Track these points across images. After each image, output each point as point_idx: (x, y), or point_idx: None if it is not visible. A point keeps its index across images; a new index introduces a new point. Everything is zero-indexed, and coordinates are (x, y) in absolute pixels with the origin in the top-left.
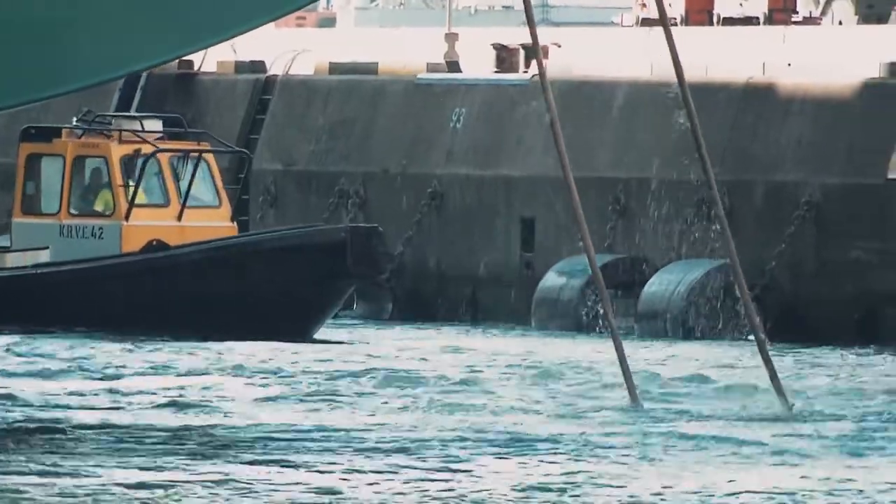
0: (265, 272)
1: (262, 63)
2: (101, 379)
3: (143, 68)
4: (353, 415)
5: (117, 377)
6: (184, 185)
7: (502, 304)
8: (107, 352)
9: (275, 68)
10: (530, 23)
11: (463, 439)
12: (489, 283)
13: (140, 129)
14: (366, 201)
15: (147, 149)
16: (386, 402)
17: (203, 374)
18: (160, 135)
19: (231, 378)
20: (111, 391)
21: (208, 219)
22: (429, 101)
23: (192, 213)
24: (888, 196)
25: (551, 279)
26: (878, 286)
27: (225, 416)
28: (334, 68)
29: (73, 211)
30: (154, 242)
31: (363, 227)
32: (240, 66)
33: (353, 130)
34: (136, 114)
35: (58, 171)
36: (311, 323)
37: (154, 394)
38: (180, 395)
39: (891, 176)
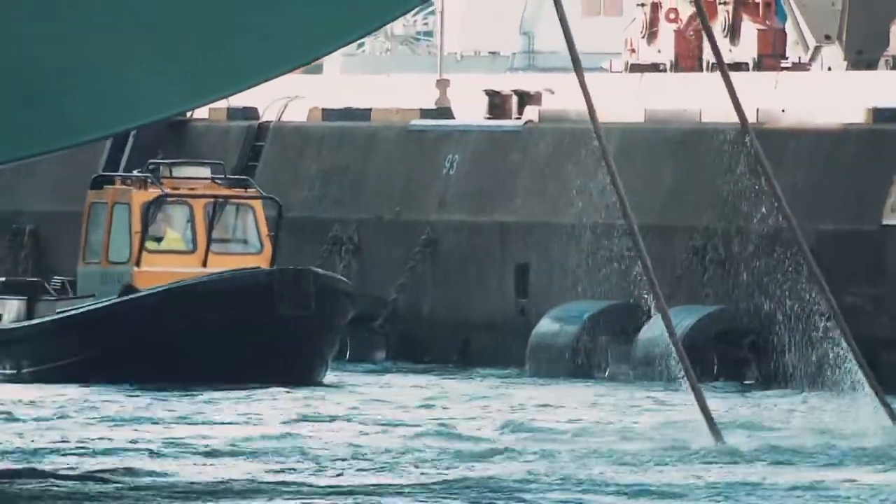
0: (199, 314)
1: (254, 110)
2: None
3: (137, 125)
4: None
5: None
6: (223, 232)
7: (496, 350)
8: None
9: (267, 115)
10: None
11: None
12: (483, 328)
13: (188, 176)
14: (359, 248)
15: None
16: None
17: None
18: (207, 181)
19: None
20: None
21: (244, 265)
22: (422, 148)
23: (227, 259)
24: (882, 242)
25: (546, 325)
26: (874, 332)
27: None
28: (327, 115)
29: (109, 258)
30: (127, 286)
31: (292, 269)
32: (232, 113)
33: (346, 177)
34: (185, 160)
35: (105, 219)
36: (249, 365)
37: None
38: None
39: (885, 222)
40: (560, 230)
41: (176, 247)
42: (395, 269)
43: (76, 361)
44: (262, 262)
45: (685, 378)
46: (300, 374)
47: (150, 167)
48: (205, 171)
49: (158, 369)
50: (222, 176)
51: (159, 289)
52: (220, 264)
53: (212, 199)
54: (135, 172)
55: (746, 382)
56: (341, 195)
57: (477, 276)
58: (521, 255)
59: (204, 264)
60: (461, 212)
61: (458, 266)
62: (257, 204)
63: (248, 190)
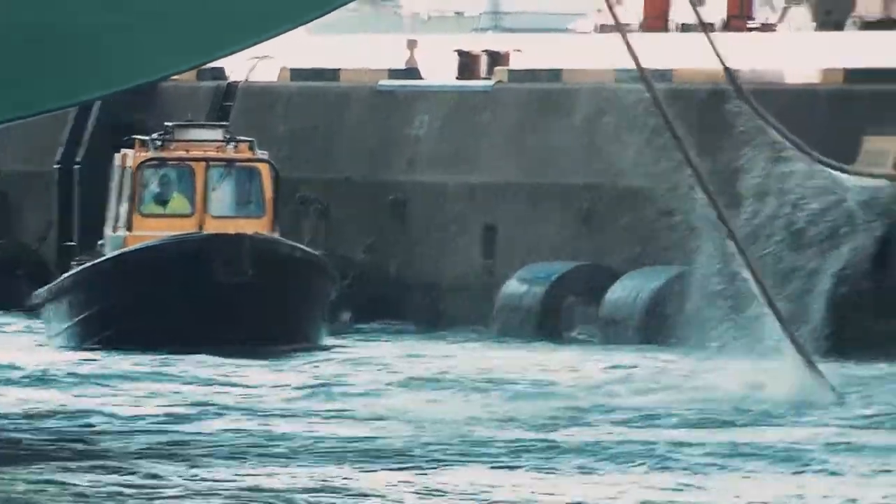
0: (138, 282)
1: (222, 70)
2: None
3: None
4: None
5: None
6: (224, 195)
7: (463, 310)
8: None
9: (235, 75)
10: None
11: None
12: (451, 289)
13: (195, 139)
14: (328, 208)
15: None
16: None
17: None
18: (214, 143)
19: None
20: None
21: (245, 229)
22: (391, 108)
23: (226, 223)
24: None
25: (513, 286)
26: None
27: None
28: (296, 75)
29: (117, 222)
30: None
31: (228, 234)
32: (200, 73)
33: (314, 137)
34: (194, 122)
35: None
36: (192, 333)
37: None
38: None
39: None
40: (529, 190)
41: (179, 210)
42: (364, 230)
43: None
44: (262, 226)
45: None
46: (247, 341)
47: (166, 129)
48: (213, 134)
49: (116, 335)
50: (229, 138)
51: (111, 256)
52: (217, 228)
53: (213, 163)
54: (153, 136)
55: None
56: (310, 156)
57: (445, 237)
58: (490, 215)
59: (200, 228)
60: (430, 172)
61: (426, 227)
62: (264, 167)
63: (255, 153)
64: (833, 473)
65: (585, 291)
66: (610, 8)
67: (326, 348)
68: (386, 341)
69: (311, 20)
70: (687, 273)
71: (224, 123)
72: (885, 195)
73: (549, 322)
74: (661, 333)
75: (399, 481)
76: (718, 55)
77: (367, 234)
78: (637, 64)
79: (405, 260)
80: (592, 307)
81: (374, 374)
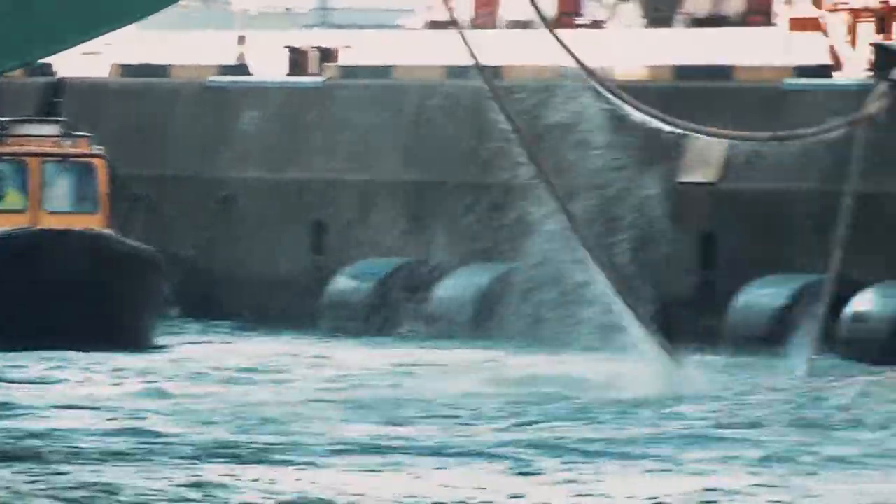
0: None
1: (50, 65)
2: None
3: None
4: None
5: None
6: (59, 191)
7: (292, 306)
8: None
9: (64, 71)
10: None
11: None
12: (279, 286)
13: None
14: (158, 205)
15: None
16: None
17: None
18: (50, 139)
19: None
20: None
21: (79, 225)
22: (221, 105)
23: (60, 218)
24: (678, 198)
25: (342, 282)
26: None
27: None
28: (126, 71)
29: None
30: None
31: (57, 230)
32: (30, 70)
33: (145, 134)
34: (29, 117)
35: None
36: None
37: None
38: None
39: (681, 179)
40: (358, 187)
41: (12, 206)
42: (194, 227)
43: None
44: (97, 222)
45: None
46: (77, 339)
47: (1, 125)
48: (49, 129)
49: None
50: (66, 134)
51: None
52: (51, 224)
53: (48, 158)
54: None
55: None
56: (140, 152)
57: (274, 234)
58: (319, 212)
59: (33, 224)
60: (260, 169)
61: (255, 223)
62: (99, 163)
63: (91, 148)
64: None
65: (414, 288)
66: (445, 3)
67: (159, 347)
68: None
69: (143, 18)
70: (516, 269)
71: (62, 119)
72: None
73: (377, 318)
74: (490, 329)
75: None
76: (567, 49)
77: (196, 231)
78: (475, 60)
79: (234, 256)
80: (421, 304)
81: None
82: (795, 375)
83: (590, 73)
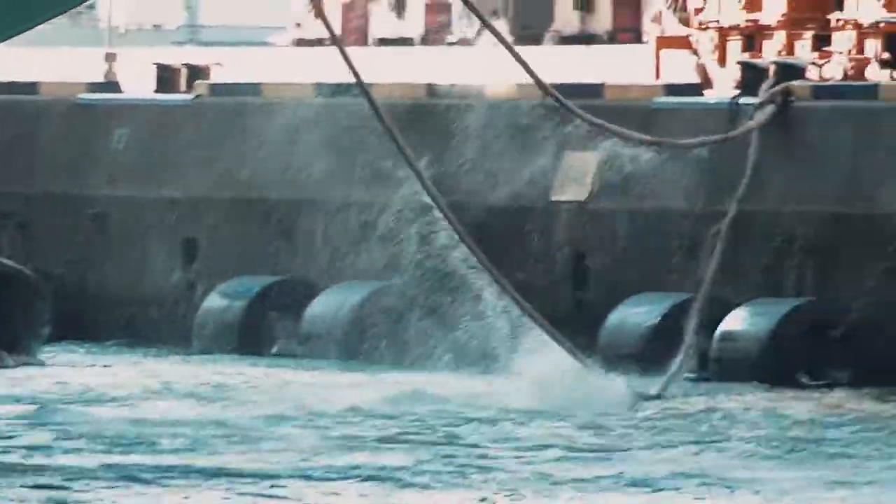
0: None
1: None
2: None
3: None
4: None
5: None
6: None
7: (164, 325)
8: None
9: None
10: None
11: None
12: (151, 304)
13: None
14: (27, 223)
15: None
16: None
17: None
18: None
19: None
20: None
21: None
22: (90, 122)
23: None
24: (551, 217)
25: (214, 301)
26: (545, 308)
27: None
28: None
29: None
30: None
31: None
32: None
33: (13, 151)
34: None
35: None
36: None
37: None
38: None
39: (554, 198)
40: (230, 205)
41: None
42: (64, 245)
43: None
44: None
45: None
46: None
47: None
48: None
49: None
50: None
51: None
52: None
53: None
54: None
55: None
56: (7, 170)
57: (145, 252)
58: (190, 230)
59: None
60: (130, 186)
61: (126, 241)
62: None
63: None
64: None
65: (287, 306)
66: (321, 16)
67: (41, 364)
68: (79, 359)
69: (13, 36)
70: (392, 287)
71: None
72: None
73: (250, 338)
74: (363, 348)
75: None
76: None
77: (67, 249)
78: (356, 76)
79: (105, 275)
80: (294, 322)
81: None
82: (644, 394)
83: (543, 87)
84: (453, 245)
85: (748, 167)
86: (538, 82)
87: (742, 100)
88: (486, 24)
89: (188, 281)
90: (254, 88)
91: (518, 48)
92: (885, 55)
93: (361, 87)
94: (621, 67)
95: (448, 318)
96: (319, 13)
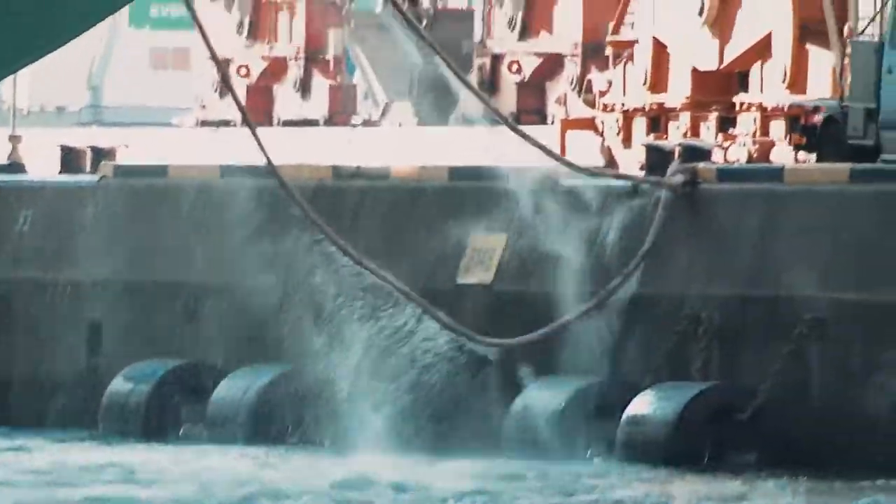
0: None
1: None
2: None
3: None
4: None
5: None
6: None
7: (70, 409)
8: None
9: None
10: None
11: None
12: (57, 387)
13: None
14: None
15: None
16: None
17: None
18: None
19: None
20: None
21: None
22: None
23: None
24: (459, 300)
25: (118, 384)
26: None
27: None
28: None
29: None
30: None
31: None
32: None
33: None
34: None
35: None
36: None
37: None
38: None
39: (460, 281)
40: (134, 287)
41: None
42: None
43: None
44: None
45: None
46: None
47: None
48: None
49: None
50: None
51: None
52: None
53: None
54: None
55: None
56: None
57: (50, 335)
58: (95, 312)
59: None
60: (34, 269)
61: (30, 325)
62: None
63: None
64: None
65: (193, 390)
66: (235, 98)
67: None
68: None
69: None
70: (296, 370)
71: None
72: None
73: (155, 421)
74: (269, 432)
75: None
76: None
77: None
78: (265, 156)
79: (9, 359)
80: (200, 406)
81: None
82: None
83: (568, 164)
84: (359, 327)
85: (648, 247)
86: (564, 163)
87: (647, 181)
88: (486, 104)
89: (94, 364)
90: (159, 170)
91: (421, 129)
92: (803, 139)
93: (271, 168)
94: (526, 149)
95: (350, 397)
96: (229, 89)
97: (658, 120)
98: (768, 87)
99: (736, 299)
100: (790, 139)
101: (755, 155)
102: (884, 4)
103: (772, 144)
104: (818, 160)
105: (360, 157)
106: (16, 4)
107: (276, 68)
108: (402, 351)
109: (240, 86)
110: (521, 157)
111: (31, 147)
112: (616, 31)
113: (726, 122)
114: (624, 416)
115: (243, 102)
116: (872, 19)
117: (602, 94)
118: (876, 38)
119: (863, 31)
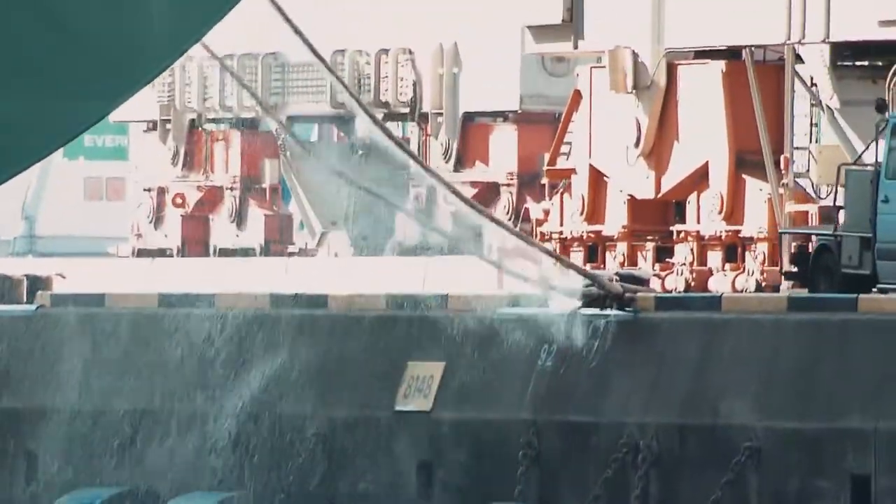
0: None
1: None
2: None
3: None
4: None
5: None
6: None
7: None
8: None
9: None
10: None
11: None
12: None
13: None
14: None
15: None
16: None
17: None
18: None
19: None
20: None
21: None
22: None
23: None
24: (396, 428)
25: None
26: None
27: None
28: None
29: None
30: None
31: None
32: None
33: None
34: None
35: None
36: None
37: None
38: None
39: (398, 408)
40: (71, 416)
41: None
42: None
43: None
44: None
45: None
46: None
47: None
48: None
49: None
50: None
51: None
52: None
53: None
54: None
55: None
56: None
57: None
58: (31, 442)
59: None
60: None
61: None
62: None
63: None
64: None
65: None
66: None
67: None
68: None
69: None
70: (235, 498)
71: None
72: None
73: None
74: None
75: None
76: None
77: None
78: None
79: None
80: None
81: None
82: None
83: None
84: (300, 452)
85: (588, 377)
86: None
87: (585, 310)
88: (489, 216)
89: (29, 493)
90: (97, 299)
91: (357, 259)
92: (793, 268)
93: (211, 295)
94: (464, 278)
95: None
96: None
97: (595, 249)
98: (705, 216)
99: (674, 428)
100: (780, 267)
101: (693, 284)
102: (878, 132)
103: (709, 273)
104: (810, 291)
105: (296, 286)
106: None
107: (212, 198)
108: None
109: (175, 215)
110: (458, 284)
111: None
112: (553, 161)
113: (663, 252)
114: None
115: (179, 232)
116: (867, 147)
117: (539, 223)
118: (870, 168)
119: (857, 161)
